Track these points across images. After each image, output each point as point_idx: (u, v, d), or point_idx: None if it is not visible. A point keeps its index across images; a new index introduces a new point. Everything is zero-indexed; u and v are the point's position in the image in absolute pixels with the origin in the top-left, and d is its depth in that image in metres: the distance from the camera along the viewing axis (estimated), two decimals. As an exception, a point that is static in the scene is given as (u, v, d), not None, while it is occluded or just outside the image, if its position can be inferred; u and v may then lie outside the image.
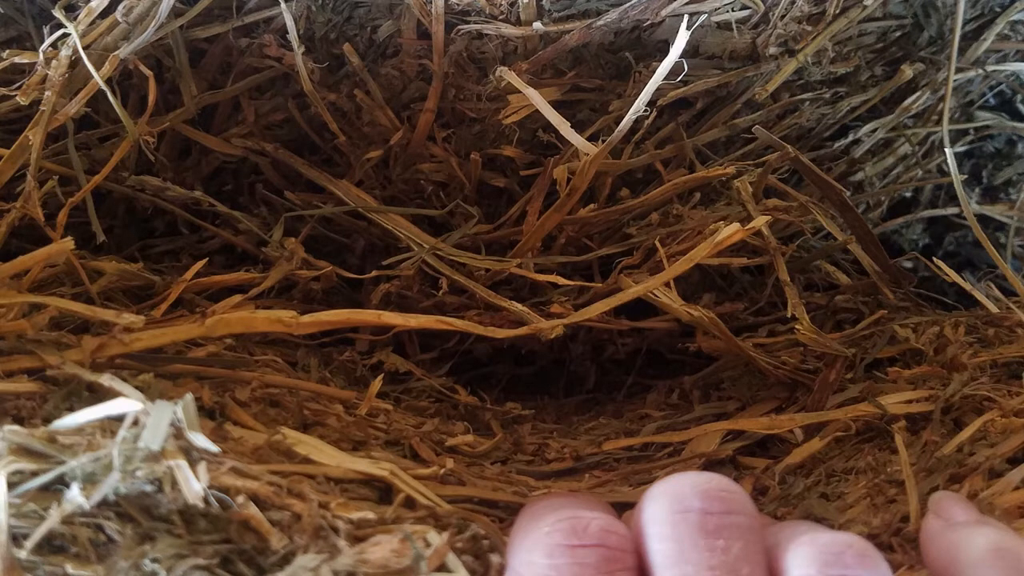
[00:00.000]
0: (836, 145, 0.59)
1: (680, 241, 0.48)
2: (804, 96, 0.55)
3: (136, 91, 0.50)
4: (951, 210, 0.64)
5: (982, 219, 0.64)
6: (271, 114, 0.53)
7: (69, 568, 0.24)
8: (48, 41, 0.44)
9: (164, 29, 0.45)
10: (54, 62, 0.43)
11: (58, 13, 0.44)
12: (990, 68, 0.59)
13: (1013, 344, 0.43)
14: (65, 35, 0.44)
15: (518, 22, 0.47)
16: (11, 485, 0.24)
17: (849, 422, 0.40)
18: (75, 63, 0.43)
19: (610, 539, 0.26)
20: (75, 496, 0.24)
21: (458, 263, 0.50)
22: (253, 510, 0.25)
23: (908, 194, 0.66)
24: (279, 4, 0.47)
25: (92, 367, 0.32)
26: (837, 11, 0.50)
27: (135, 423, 0.26)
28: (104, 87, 0.43)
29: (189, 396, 0.27)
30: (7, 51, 0.44)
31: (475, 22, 0.48)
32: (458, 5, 0.47)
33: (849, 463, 0.38)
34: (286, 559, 0.25)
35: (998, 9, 0.58)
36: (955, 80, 0.57)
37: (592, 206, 0.51)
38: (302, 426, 0.37)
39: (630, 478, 0.40)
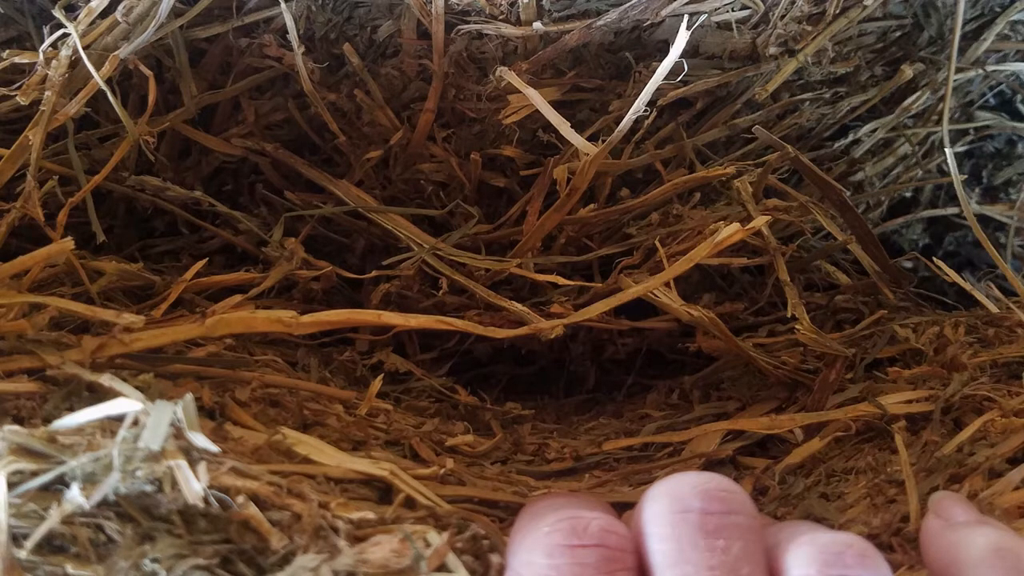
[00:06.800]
0: (836, 145, 0.59)
1: (680, 241, 0.48)
2: (804, 96, 0.55)
3: (136, 91, 0.50)
4: (951, 210, 0.64)
5: (982, 219, 0.64)
6: (271, 114, 0.53)
7: (69, 568, 0.24)
8: (48, 41, 0.44)
9: (164, 29, 0.45)
10: (54, 62, 0.43)
11: (58, 13, 0.44)
12: (990, 68, 0.59)
13: (1013, 344, 0.43)
14: (65, 35, 0.44)
15: (518, 22, 0.47)
16: (11, 485, 0.24)
17: (849, 422, 0.40)
18: (75, 63, 0.43)
19: (610, 539, 0.26)
20: (75, 496, 0.24)
21: (458, 263, 0.50)
22: (253, 510, 0.25)
23: (908, 194, 0.66)
24: (279, 4, 0.47)
25: (92, 367, 0.32)
26: (837, 11, 0.50)
27: (135, 423, 0.26)
28: (104, 87, 0.43)
29: (189, 396, 0.27)
30: (7, 51, 0.44)
31: (475, 22, 0.48)
32: (458, 5, 0.47)
33: (849, 463, 0.38)
34: (286, 559, 0.25)
35: (998, 9, 0.58)
36: (955, 80, 0.57)
37: (592, 206, 0.51)
38: (302, 426, 0.37)
39: (630, 478, 0.40)
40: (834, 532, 0.26)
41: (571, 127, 0.47)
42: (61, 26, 0.44)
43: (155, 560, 0.24)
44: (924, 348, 0.45)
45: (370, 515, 0.28)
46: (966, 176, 0.66)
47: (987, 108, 0.65)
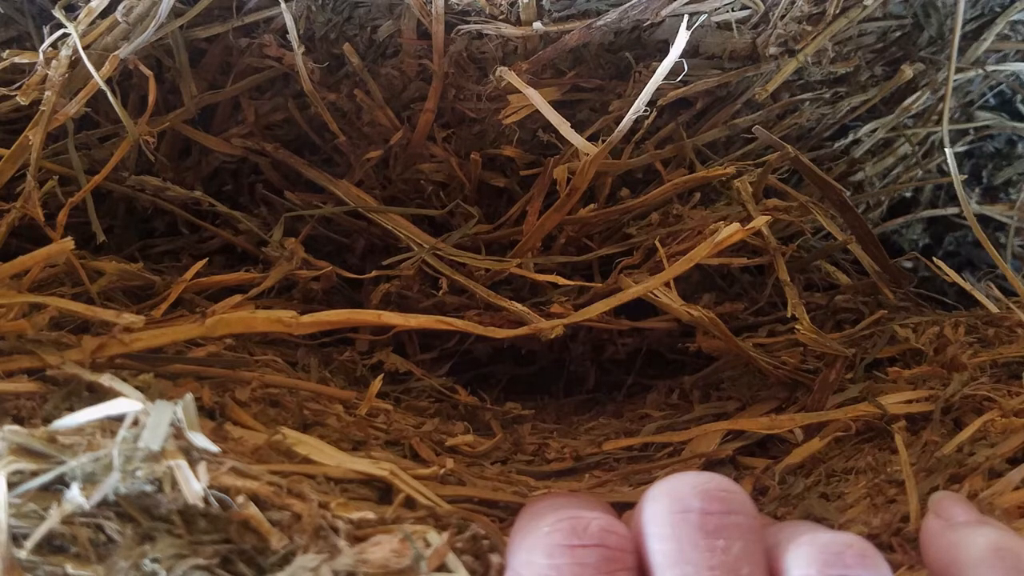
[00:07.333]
0: (836, 145, 0.59)
1: (680, 241, 0.48)
2: (804, 96, 0.55)
3: (136, 91, 0.50)
4: (951, 210, 0.64)
5: (982, 219, 0.64)
6: (271, 114, 0.53)
7: (69, 568, 0.24)
8: (48, 41, 0.44)
9: (164, 29, 0.45)
10: (54, 62, 0.43)
11: (58, 13, 0.44)
12: (990, 68, 0.59)
13: (1013, 344, 0.43)
14: (65, 35, 0.44)
15: (518, 22, 0.47)
16: (11, 485, 0.24)
17: (849, 422, 0.40)
18: (75, 63, 0.43)
19: (610, 539, 0.26)
20: (75, 496, 0.24)
21: (458, 263, 0.50)
22: (253, 510, 0.25)
23: (908, 194, 0.66)
24: (279, 4, 0.47)
25: (92, 367, 0.32)
26: (837, 11, 0.50)
27: (135, 423, 0.26)
28: (104, 87, 0.43)
29: (189, 396, 0.27)
30: (7, 51, 0.44)
31: (475, 22, 0.48)
32: (458, 5, 0.47)
33: (849, 463, 0.38)
34: (286, 559, 0.25)
35: (998, 9, 0.58)
36: (955, 80, 0.57)
37: (592, 206, 0.51)
38: (302, 426, 0.37)
39: (630, 478, 0.40)
40: (834, 532, 0.26)
41: (571, 127, 0.47)
42: (61, 26, 0.44)
43: (155, 560, 0.24)
44: (924, 348, 0.45)
45: (370, 515, 0.28)
46: (966, 176, 0.66)
47: (987, 108, 0.65)
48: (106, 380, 0.31)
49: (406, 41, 0.49)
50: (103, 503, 0.24)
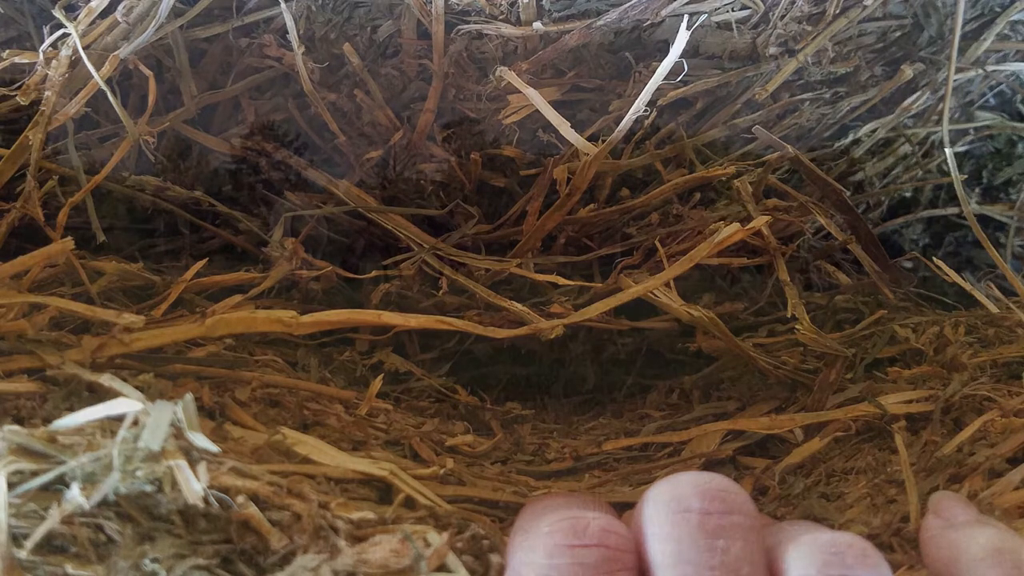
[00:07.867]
0: (836, 145, 0.59)
1: (680, 241, 0.48)
2: (804, 96, 0.55)
3: (136, 91, 0.50)
4: (951, 210, 0.64)
5: (982, 219, 0.64)
6: (271, 114, 0.53)
7: (69, 568, 0.24)
8: (48, 41, 0.44)
9: (164, 29, 0.45)
10: (54, 62, 0.43)
11: (58, 13, 0.44)
12: (990, 68, 0.59)
13: (1013, 344, 0.43)
14: (65, 35, 0.44)
15: (518, 22, 0.47)
16: (11, 485, 0.24)
17: (849, 422, 0.40)
18: (75, 63, 0.43)
19: (610, 539, 0.26)
20: (75, 496, 0.24)
21: (458, 263, 0.50)
22: (253, 510, 0.25)
23: (908, 194, 0.66)
24: (279, 4, 0.47)
25: (92, 367, 0.32)
26: (837, 11, 0.50)
27: (135, 423, 0.26)
28: (104, 87, 0.43)
29: (189, 396, 0.27)
30: (7, 51, 0.44)
31: (475, 22, 0.48)
32: (458, 5, 0.47)
33: (849, 463, 0.38)
34: (286, 559, 0.25)
35: (998, 9, 0.58)
36: (955, 80, 0.57)
37: (592, 206, 0.51)
38: (302, 426, 0.37)
39: (630, 478, 0.40)
40: (834, 532, 0.26)
41: (571, 127, 0.47)
42: (61, 26, 0.44)
43: (155, 560, 0.24)
44: (924, 348, 0.45)
45: (370, 515, 0.28)
46: (966, 176, 0.66)
47: (987, 108, 0.65)
48: (106, 380, 0.31)
49: (406, 41, 0.49)
50: (103, 503, 0.24)
